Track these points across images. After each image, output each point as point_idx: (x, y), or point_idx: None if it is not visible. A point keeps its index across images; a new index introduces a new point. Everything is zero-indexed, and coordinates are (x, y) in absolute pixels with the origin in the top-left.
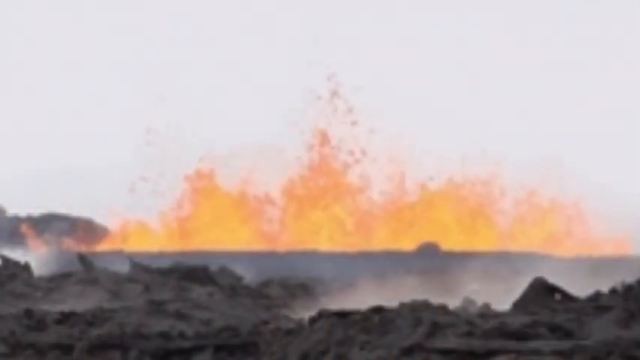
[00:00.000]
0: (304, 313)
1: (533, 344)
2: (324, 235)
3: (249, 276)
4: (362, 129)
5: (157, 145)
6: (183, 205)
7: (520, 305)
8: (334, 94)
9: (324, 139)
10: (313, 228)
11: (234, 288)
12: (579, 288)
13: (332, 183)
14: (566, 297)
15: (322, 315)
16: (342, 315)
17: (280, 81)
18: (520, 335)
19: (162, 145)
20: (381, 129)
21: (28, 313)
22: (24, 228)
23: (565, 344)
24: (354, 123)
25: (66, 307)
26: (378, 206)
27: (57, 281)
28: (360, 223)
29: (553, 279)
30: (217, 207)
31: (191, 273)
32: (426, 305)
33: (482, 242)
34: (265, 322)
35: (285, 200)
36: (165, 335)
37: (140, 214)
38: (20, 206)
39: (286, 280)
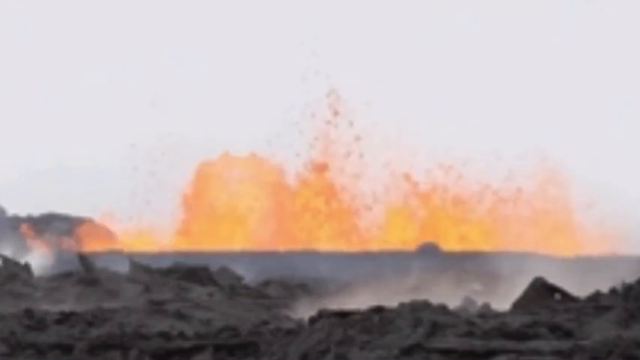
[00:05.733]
0: (304, 313)
1: (533, 344)
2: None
3: (249, 276)
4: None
5: (150, 152)
6: (177, 217)
7: (520, 305)
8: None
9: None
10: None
11: (234, 288)
12: (579, 288)
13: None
14: (566, 297)
15: (322, 315)
16: (342, 315)
17: (278, 91)
18: (520, 335)
19: (155, 151)
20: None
21: (28, 313)
22: (24, 228)
23: (565, 344)
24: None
25: (66, 307)
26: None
27: (57, 281)
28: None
29: (553, 279)
30: (209, 224)
31: (191, 273)
32: (426, 305)
33: (483, 242)
34: (265, 322)
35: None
36: (165, 335)
37: (140, 214)
38: (20, 206)
39: (286, 280)
